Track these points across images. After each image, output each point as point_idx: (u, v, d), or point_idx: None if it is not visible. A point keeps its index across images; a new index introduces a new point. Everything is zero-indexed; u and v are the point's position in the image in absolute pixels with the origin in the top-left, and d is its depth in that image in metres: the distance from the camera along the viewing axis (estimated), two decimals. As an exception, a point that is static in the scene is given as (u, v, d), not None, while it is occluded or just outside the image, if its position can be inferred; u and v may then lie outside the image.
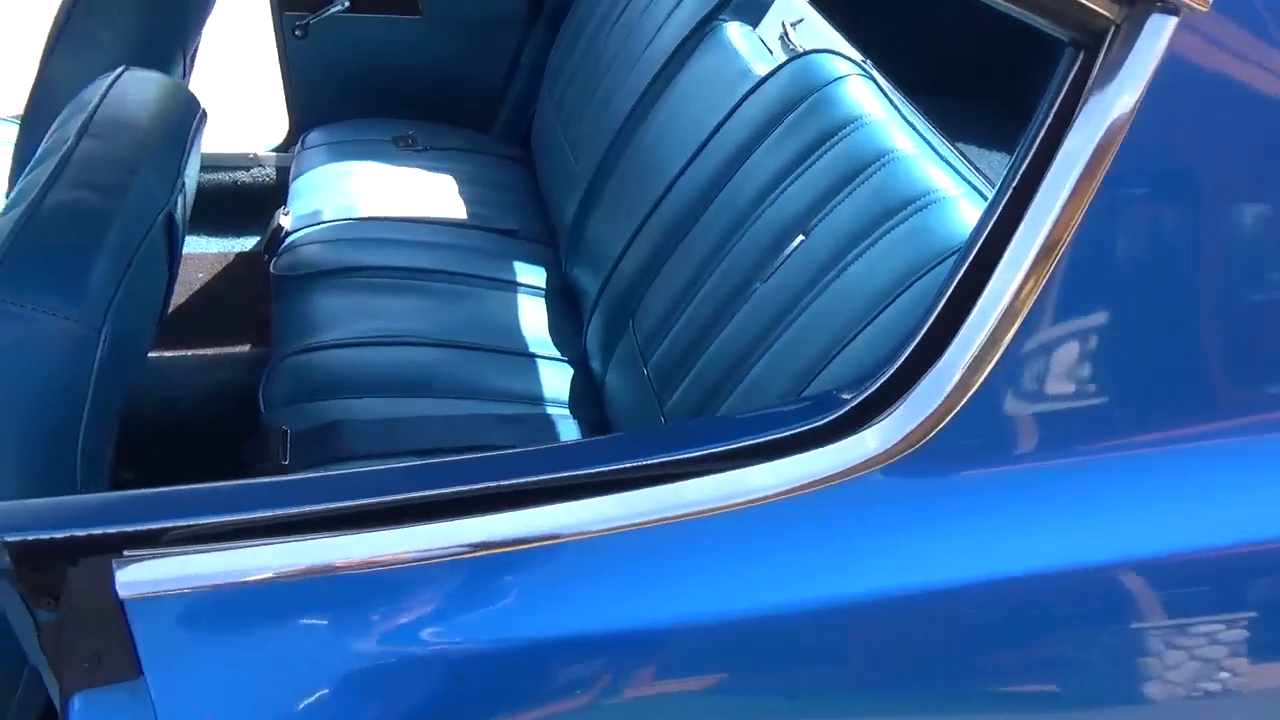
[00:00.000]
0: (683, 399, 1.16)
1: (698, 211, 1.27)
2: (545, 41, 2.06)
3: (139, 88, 0.93)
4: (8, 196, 0.87)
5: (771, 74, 1.26)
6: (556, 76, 1.89)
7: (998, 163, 2.00)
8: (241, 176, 2.13)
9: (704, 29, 1.46)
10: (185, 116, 0.95)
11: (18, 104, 1.82)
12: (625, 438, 0.91)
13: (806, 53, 1.24)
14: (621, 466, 0.57)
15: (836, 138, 1.10)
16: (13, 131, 1.86)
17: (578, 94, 1.77)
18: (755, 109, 1.25)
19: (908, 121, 1.09)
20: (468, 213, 1.81)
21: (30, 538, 0.50)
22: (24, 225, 0.70)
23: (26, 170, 0.85)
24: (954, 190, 0.97)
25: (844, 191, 1.05)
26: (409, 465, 0.59)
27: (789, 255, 1.08)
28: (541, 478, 0.56)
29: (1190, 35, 0.54)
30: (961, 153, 1.07)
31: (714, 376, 1.11)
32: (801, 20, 1.41)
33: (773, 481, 0.57)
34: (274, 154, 2.15)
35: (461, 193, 1.86)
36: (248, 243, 2.11)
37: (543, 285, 1.67)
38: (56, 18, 1.31)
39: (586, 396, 1.46)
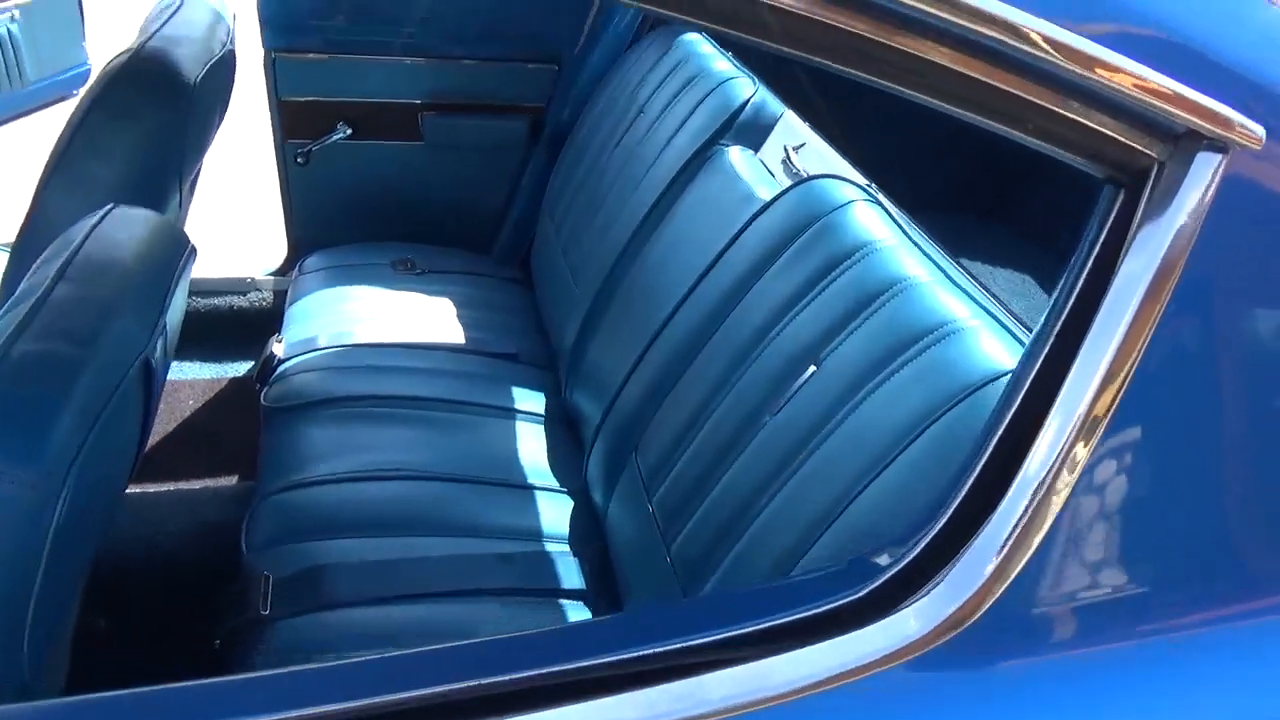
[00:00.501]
0: (690, 540, 1.09)
1: (702, 339, 1.22)
2: (545, 165, 2.07)
3: (125, 227, 0.90)
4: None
5: (776, 199, 1.23)
6: (556, 200, 1.88)
7: (1004, 281, 1.98)
8: (237, 301, 2.10)
9: (706, 153, 1.45)
10: (172, 255, 0.92)
11: (10, 231, 1.82)
12: (635, 618, 0.83)
13: (811, 177, 1.22)
14: (634, 655, 0.50)
15: (845, 265, 1.07)
16: (2, 260, 1.85)
17: (578, 217, 1.76)
18: (760, 234, 1.22)
19: (918, 246, 1.06)
20: (466, 337, 1.77)
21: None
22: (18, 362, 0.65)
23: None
24: (971, 320, 0.93)
25: (856, 321, 1.01)
26: (385, 657, 0.51)
27: (800, 387, 1.03)
28: (545, 671, 0.49)
29: (1248, 166, 0.50)
30: (972, 275, 1.03)
31: (723, 517, 1.04)
32: (804, 144, 1.40)
33: (807, 672, 0.49)
34: (271, 278, 2.13)
35: (460, 316, 1.82)
36: (240, 368, 2.06)
37: (542, 412, 1.62)
38: (54, 150, 1.30)
39: (588, 530, 1.39)
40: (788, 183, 1.35)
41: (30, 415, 0.66)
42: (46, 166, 1.31)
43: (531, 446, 1.54)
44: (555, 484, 1.47)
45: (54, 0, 2.74)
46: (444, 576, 1.26)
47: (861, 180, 1.21)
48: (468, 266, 2.01)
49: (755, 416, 1.07)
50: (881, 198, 1.14)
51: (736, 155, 1.42)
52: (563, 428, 1.59)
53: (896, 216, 1.11)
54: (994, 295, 0.98)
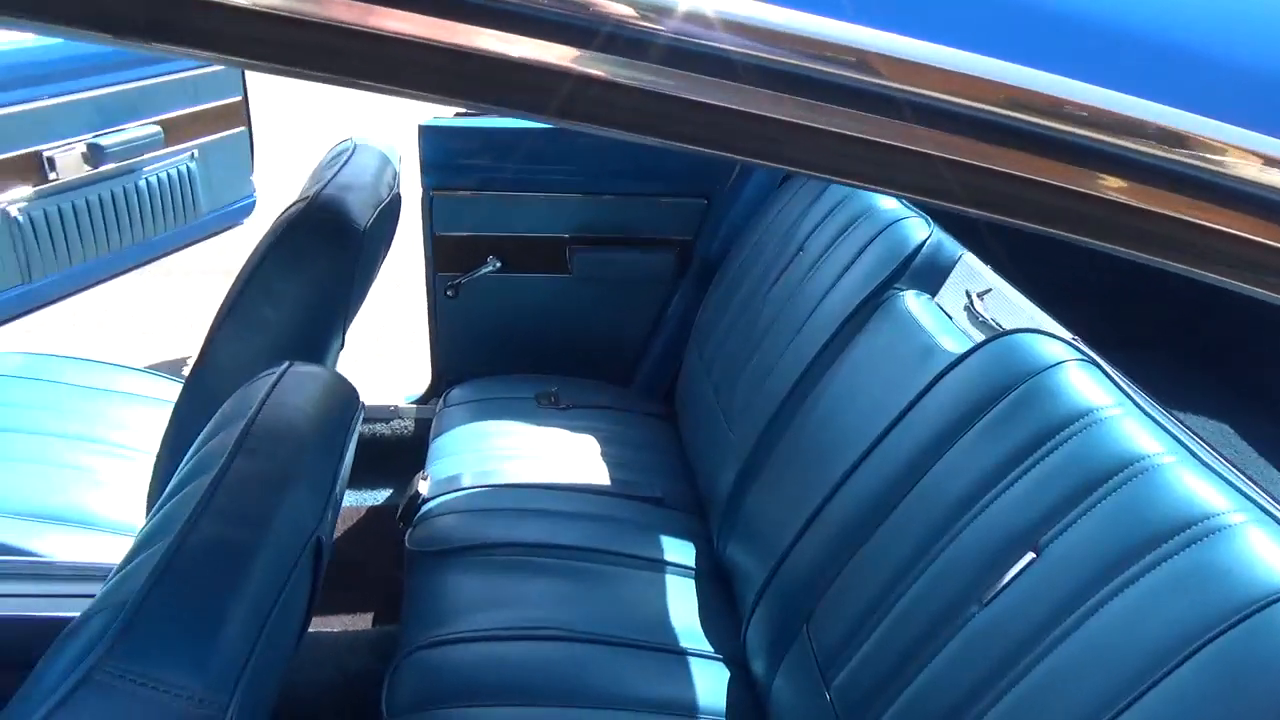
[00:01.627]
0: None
1: (886, 505, 1.11)
2: (692, 297, 2.02)
3: (300, 388, 0.87)
4: (147, 515, 0.80)
5: (970, 353, 1.13)
6: (706, 336, 1.82)
7: (1202, 429, 1.78)
8: (380, 429, 2.11)
9: (878, 298, 1.36)
10: (346, 417, 0.89)
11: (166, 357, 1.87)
12: None
13: (1010, 331, 1.12)
14: None
15: (1062, 436, 0.95)
16: (174, 389, 1.90)
17: (731, 356, 1.68)
18: (952, 392, 1.11)
19: (1149, 416, 0.93)
20: (611, 478, 1.70)
21: None
22: (161, 574, 0.60)
23: (174, 486, 0.78)
24: (1235, 515, 0.79)
25: (1083, 504, 0.88)
26: None
27: (1015, 577, 0.90)
28: None
29: None
30: (1224, 456, 0.90)
31: (935, 712, 0.91)
32: (989, 290, 1.30)
33: None
34: (414, 406, 2.13)
35: (605, 455, 1.76)
36: (380, 495, 2.05)
37: (692, 565, 1.52)
38: (229, 294, 1.32)
39: (746, 705, 1.26)
40: (974, 332, 1.25)
41: (204, 617, 0.61)
42: (220, 309, 1.33)
43: (682, 604, 1.44)
44: (709, 649, 1.35)
45: (229, 138, 2.92)
46: (594, 757, 1.15)
47: (1067, 335, 1.10)
48: (611, 401, 1.95)
49: (959, 606, 0.94)
50: (1097, 358, 1.03)
51: (913, 301, 1.33)
52: (715, 583, 1.49)
53: (1118, 380, 0.99)
54: (1256, 482, 0.84)
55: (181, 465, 0.84)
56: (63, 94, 2.39)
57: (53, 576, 1.34)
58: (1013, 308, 1.26)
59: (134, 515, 1.55)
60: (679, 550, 1.54)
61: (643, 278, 2.05)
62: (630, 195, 2.02)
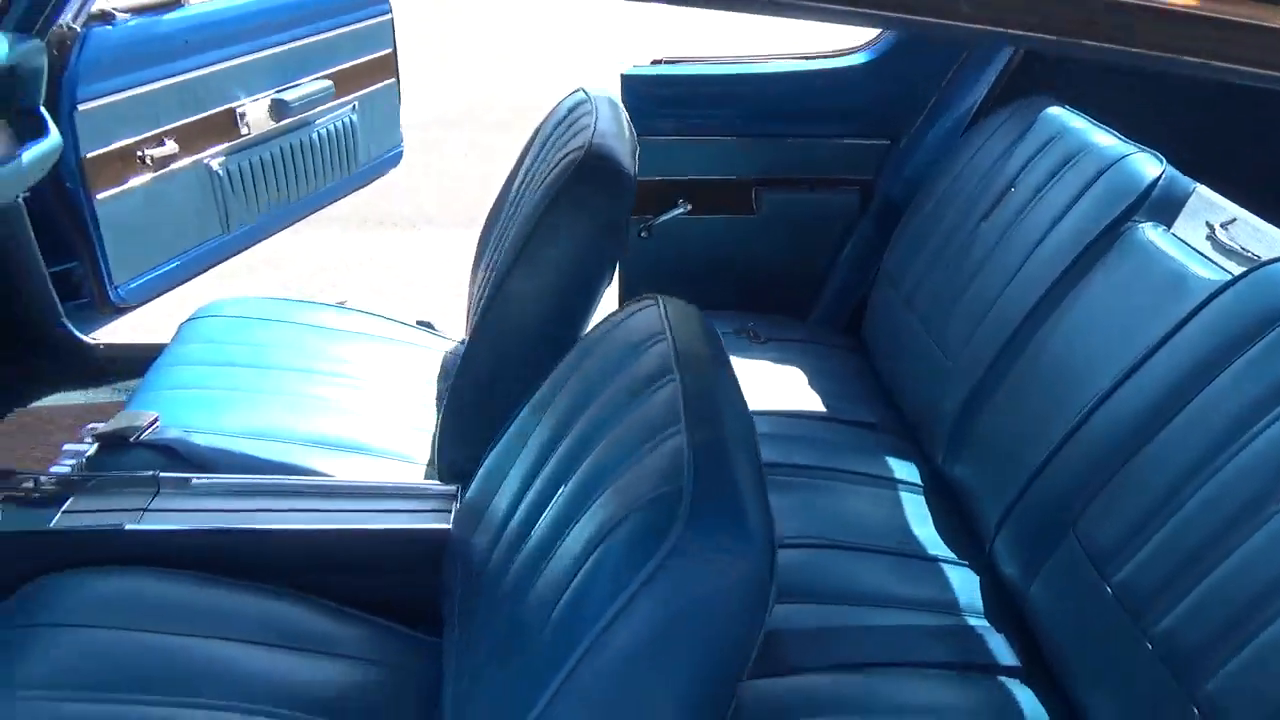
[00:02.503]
0: (1185, 623, 1.08)
1: (1153, 426, 1.22)
2: (871, 236, 2.13)
3: (680, 316, 1.02)
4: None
5: (1229, 284, 1.22)
6: (901, 272, 1.92)
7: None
8: None
9: (1116, 230, 1.45)
10: (714, 334, 1.04)
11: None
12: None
13: (1269, 261, 1.21)
14: None
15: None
16: (379, 323, 2.05)
17: (935, 293, 1.78)
18: (1213, 322, 1.21)
19: None
20: (824, 405, 1.83)
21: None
22: (698, 470, 0.74)
23: (546, 407, 0.91)
24: None
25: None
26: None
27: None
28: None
29: None
30: None
31: (1237, 600, 1.03)
32: (1234, 220, 1.39)
33: None
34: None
35: (811, 384, 1.89)
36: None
37: (917, 481, 1.65)
38: (515, 237, 1.46)
39: (1003, 606, 1.40)
40: (1225, 261, 1.34)
41: (734, 498, 0.74)
42: (509, 252, 1.47)
43: (915, 516, 1.57)
44: (953, 556, 1.49)
45: (382, 90, 3.04)
46: (882, 649, 1.29)
47: (1330, 262, 1.19)
48: (806, 335, 2.07)
49: (1258, 505, 1.05)
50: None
51: (1153, 233, 1.42)
52: (943, 498, 1.61)
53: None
54: None
55: (547, 391, 1.00)
56: (248, 52, 2.52)
57: (341, 494, 1.49)
58: (1263, 236, 1.34)
59: (375, 439, 1.69)
60: (901, 468, 1.66)
61: (825, 216, 2.16)
62: (814, 137, 2.11)
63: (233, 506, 1.42)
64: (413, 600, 1.36)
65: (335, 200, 3.09)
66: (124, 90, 2.19)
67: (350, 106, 2.91)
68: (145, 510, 1.39)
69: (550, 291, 1.44)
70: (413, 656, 1.31)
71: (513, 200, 1.76)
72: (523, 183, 1.72)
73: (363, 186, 3.18)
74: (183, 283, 2.58)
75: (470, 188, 4.41)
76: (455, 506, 1.43)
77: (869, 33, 2.10)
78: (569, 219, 1.41)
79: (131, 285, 2.36)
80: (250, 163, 2.58)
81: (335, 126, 2.85)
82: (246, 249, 2.80)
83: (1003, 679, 1.28)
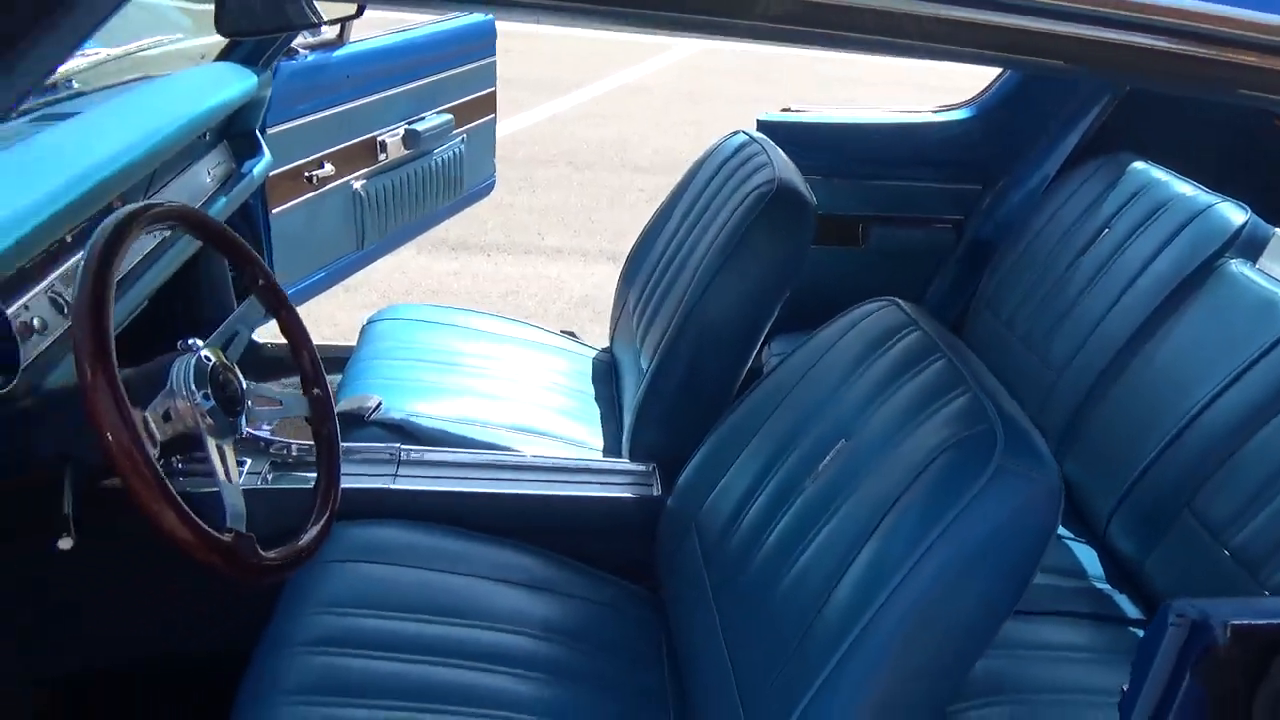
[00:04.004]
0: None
1: (1259, 420, 1.50)
2: (964, 269, 2.42)
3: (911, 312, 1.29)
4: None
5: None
6: (1000, 301, 2.19)
7: None
8: None
9: (1209, 267, 1.74)
10: None
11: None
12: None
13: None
14: None
15: None
16: (517, 328, 2.29)
17: (1034, 317, 2.07)
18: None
19: None
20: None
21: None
22: (1000, 407, 1.01)
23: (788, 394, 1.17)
24: None
25: None
26: None
27: None
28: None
29: None
30: None
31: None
32: (1312, 260, 1.69)
33: None
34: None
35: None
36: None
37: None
38: (720, 246, 1.72)
39: (1121, 576, 1.66)
40: (1308, 291, 1.63)
41: (1029, 430, 1.01)
42: (705, 272, 1.73)
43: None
44: (1071, 535, 1.76)
45: (484, 124, 3.32)
46: (1024, 600, 1.55)
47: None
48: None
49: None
50: None
51: (1242, 268, 1.71)
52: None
53: None
54: None
55: (773, 388, 1.27)
56: (390, 86, 2.79)
57: (553, 468, 1.73)
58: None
59: (554, 425, 1.94)
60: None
61: (923, 250, 2.45)
62: (916, 181, 2.41)
63: (466, 474, 1.66)
64: (624, 557, 1.61)
65: (438, 224, 3.35)
66: (302, 117, 2.45)
67: (460, 138, 3.19)
68: (395, 475, 1.63)
69: (744, 304, 1.71)
70: (630, 603, 1.55)
71: (678, 229, 2.02)
72: (692, 213, 1.99)
73: (458, 212, 3.44)
74: (319, 294, 2.82)
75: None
76: (655, 481, 1.68)
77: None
78: (764, 242, 1.69)
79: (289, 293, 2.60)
80: (384, 186, 2.84)
81: (449, 156, 3.12)
82: (365, 267, 3.05)
83: (1130, 628, 1.54)
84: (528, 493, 1.64)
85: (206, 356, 1.16)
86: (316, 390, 1.35)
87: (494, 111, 3.39)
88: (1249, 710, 0.77)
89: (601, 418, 2.03)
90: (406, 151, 2.88)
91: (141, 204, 1.15)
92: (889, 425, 1.16)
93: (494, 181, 3.51)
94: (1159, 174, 2.01)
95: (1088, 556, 1.70)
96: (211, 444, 1.13)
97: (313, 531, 1.26)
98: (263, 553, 1.12)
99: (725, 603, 1.29)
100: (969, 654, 1.06)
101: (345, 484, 1.53)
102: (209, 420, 1.12)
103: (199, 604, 1.55)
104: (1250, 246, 1.75)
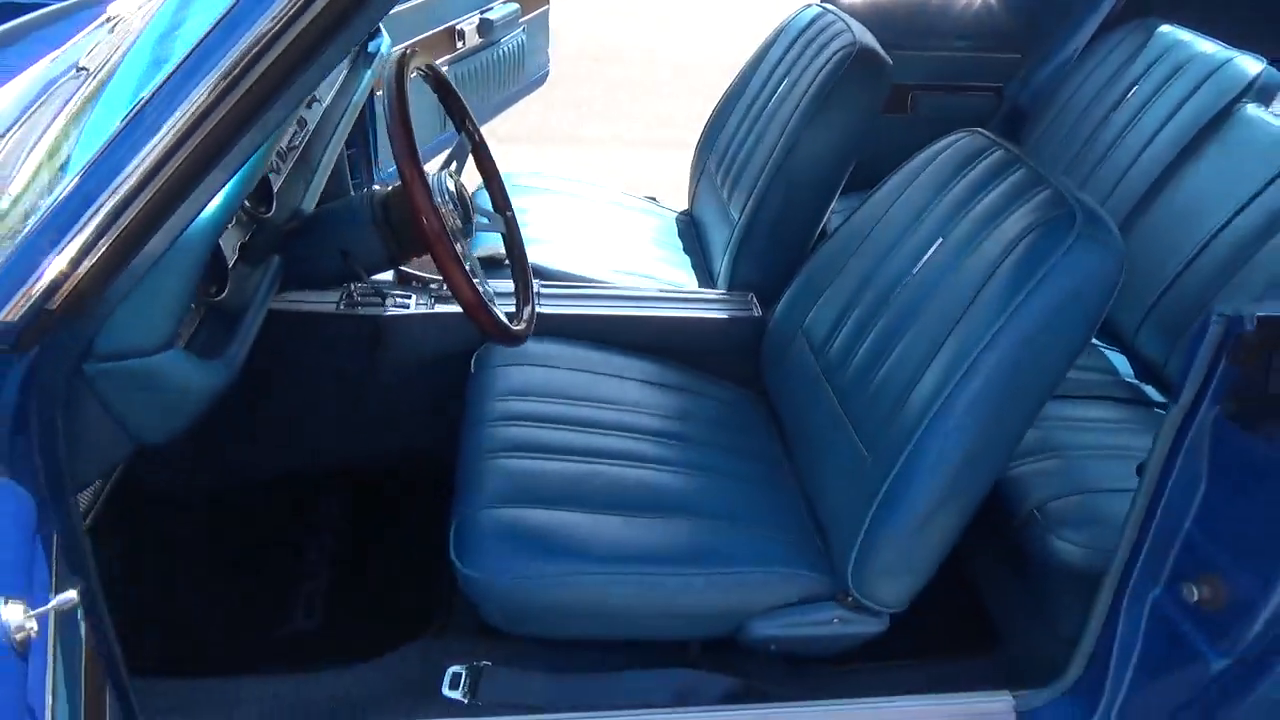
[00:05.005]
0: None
1: (1262, 239, 1.80)
2: (1004, 129, 2.68)
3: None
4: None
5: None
6: (1037, 158, 2.44)
7: None
8: None
9: (1226, 113, 2.02)
10: None
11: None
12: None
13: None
14: None
15: None
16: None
17: (1070, 167, 2.35)
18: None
19: None
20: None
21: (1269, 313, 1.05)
22: (1073, 191, 1.30)
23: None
24: None
25: None
26: None
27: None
28: None
29: None
30: None
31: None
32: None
33: None
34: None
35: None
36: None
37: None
38: (799, 119, 1.99)
39: (1148, 375, 1.99)
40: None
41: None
42: (792, 130, 2.00)
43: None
44: (1103, 343, 2.08)
45: (541, 14, 3.52)
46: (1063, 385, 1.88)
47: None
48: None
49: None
50: None
51: (1257, 110, 1.99)
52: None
53: None
54: None
55: (865, 217, 1.55)
56: (462, -22, 2.99)
57: (669, 296, 2.03)
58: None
59: (653, 269, 2.24)
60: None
61: (966, 115, 2.69)
62: (958, 51, 2.66)
63: (594, 303, 1.97)
64: (732, 370, 1.92)
65: (500, 112, 3.58)
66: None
67: (523, 28, 3.40)
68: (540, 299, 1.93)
69: (829, 155, 1.99)
70: (744, 401, 1.87)
71: (756, 97, 2.28)
72: (770, 82, 2.24)
73: (518, 100, 3.67)
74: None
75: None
76: (754, 305, 1.99)
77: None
78: (847, 100, 1.95)
79: (386, 172, 2.86)
80: (461, 73, 3.07)
81: (515, 44, 3.34)
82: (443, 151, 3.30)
83: (1155, 409, 1.87)
84: (649, 314, 1.94)
85: (447, 177, 1.45)
86: (509, 212, 1.64)
87: (549, 2, 3.59)
88: (1265, 378, 1.08)
89: (693, 265, 2.33)
90: (480, 39, 3.10)
91: (405, 49, 1.42)
92: (979, 224, 1.44)
93: (549, 71, 3.73)
94: (1184, 35, 2.26)
95: (1119, 360, 2.02)
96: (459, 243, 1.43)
97: (525, 312, 1.57)
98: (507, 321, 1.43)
99: (835, 383, 1.60)
100: (1036, 408, 1.35)
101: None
102: (456, 223, 1.41)
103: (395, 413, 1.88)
104: (1265, 92, 2.02)
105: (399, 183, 1.37)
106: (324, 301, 1.86)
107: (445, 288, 1.92)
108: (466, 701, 1.43)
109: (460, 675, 1.46)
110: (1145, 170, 2.13)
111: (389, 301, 1.87)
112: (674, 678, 1.46)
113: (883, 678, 1.58)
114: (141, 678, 1.11)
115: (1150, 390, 1.92)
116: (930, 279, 1.49)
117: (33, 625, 0.67)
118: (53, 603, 0.71)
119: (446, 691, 1.44)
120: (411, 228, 1.32)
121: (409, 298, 1.89)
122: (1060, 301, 1.28)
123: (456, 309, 1.88)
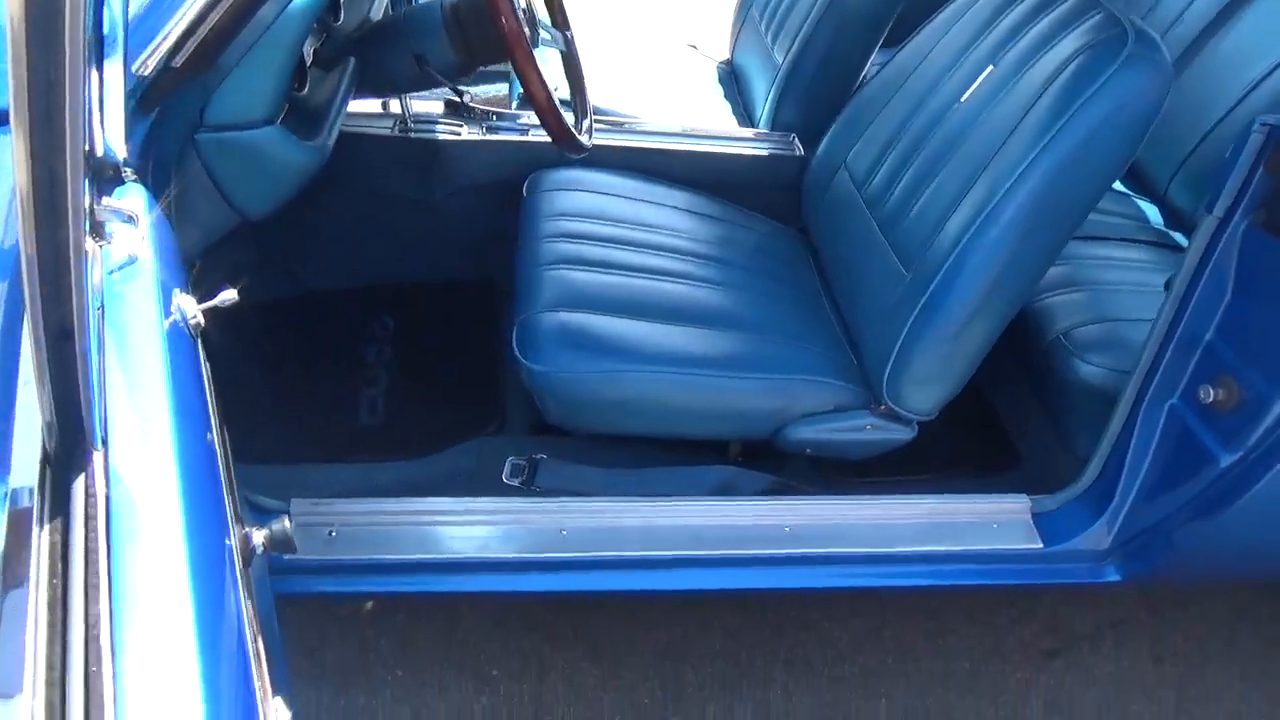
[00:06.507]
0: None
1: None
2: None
3: None
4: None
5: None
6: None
7: None
8: None
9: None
10: None
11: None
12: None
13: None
14: None
15: None
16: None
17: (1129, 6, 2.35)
18: None
19: None
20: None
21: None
22: (1125, 16, 1.34)
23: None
24: None
25: None
26: None
27: None
28: None
29: None
30: None
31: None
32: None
33: None
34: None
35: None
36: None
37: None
38: None
39: (1180, 224, 2.05)
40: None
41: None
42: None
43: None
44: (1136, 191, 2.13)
45: None
46: (1089, 225, 1.94)
47: None
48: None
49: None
50: None
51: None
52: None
53: None
54: None
55: (910, 56, 1.58)
56: None
57: (713, 134, 2.08)
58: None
59: (694, 117, 2.28)
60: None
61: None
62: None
63: (639, 137, 2.02)
64: (773, 207, 1.99)
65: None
66: None
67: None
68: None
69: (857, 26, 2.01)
70: (784, 234, 1.95)
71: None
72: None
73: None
74: None
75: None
76: (796, 145, 2.04)
77: None
78: None
79: None
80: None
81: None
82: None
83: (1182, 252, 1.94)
84: (693, 149, 2.00)
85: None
86: (568, 31, 1.68)
87: None
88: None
89: (733, 111, 2.36)
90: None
91: None
92: (1031, 49, 1.48)
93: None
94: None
95: (1150, 210, 2.08)
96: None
97: (585, 124, 1.64)
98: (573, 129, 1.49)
99: (876, 212, 1.67)
100: (1071, 227, 1.42)
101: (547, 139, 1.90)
102: (527, 32, 1.46)
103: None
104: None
105: None
106: (380, 126, 1.92)
107: (495, 118, 1.98)
108: (524, 489, 1.56)
109: (520, 465, 1.58)
110: (1200, 13, 2.13)
111: (440, 129, 1.92)
112: (716, 473, 1.58)
113: (906, 489, 1.71)
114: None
115: (1180, 238, 1.98)
116: (977, 106, 1.53)
117: (199, 316, 0.77)
118: (216, 299, 0.81)
119: (506, 479, 1.57)
120: (486, 31, 1.37)
121: (461, 126, 1.94)
122: (1105, 118, 1.33)
123: (509, 136, 1.96)
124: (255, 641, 0.74)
